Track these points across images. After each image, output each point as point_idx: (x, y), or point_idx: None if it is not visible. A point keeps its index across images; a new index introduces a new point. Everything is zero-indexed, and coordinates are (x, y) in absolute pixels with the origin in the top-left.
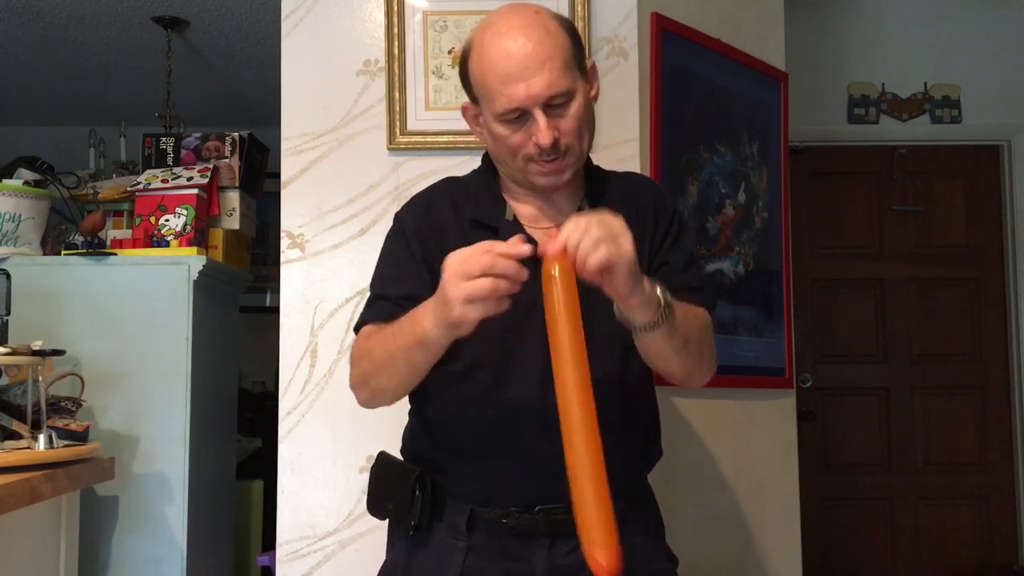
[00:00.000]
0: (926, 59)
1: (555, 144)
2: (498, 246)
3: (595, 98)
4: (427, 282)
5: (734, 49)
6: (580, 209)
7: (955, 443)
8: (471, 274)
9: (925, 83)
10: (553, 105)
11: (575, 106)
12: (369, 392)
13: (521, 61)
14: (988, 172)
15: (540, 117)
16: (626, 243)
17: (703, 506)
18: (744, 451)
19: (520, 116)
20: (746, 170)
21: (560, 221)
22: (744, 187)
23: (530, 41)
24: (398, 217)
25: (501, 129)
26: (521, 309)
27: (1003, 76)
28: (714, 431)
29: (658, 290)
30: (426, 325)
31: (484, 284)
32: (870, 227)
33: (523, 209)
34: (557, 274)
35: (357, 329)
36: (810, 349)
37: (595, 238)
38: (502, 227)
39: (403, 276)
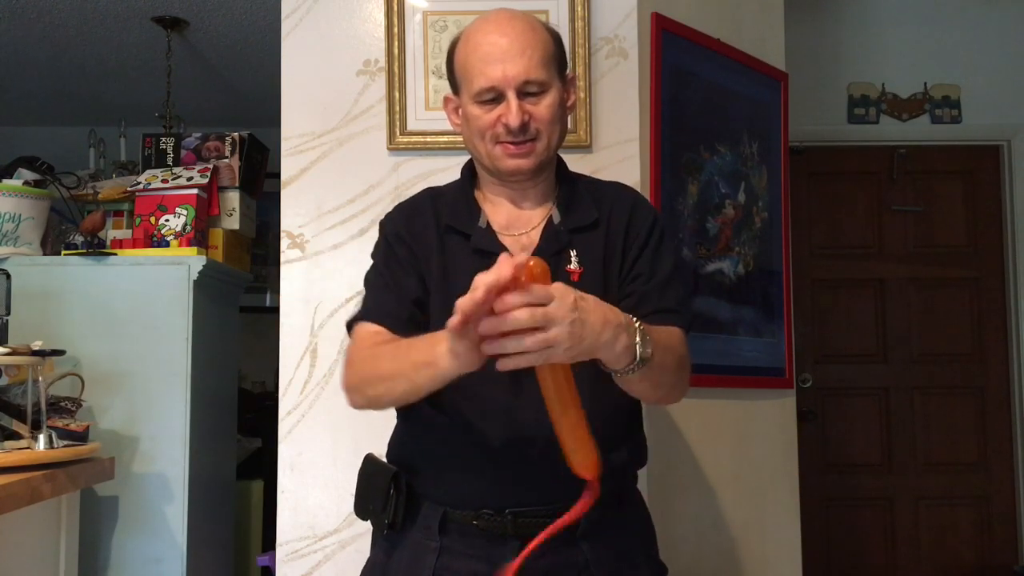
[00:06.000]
0: (926, 59)
1: (524, 126)
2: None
3: (571, 109)
4: (414, 280)
5: (734, 49)
6: (551, 218)
7: (955, 443)
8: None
9: (925, 83)
10: (527, 92)
11: (548, 99)
12: (364, 399)
13: (503, 46)
14: (988, 172)
15: (512, 99)
16: (591, 327)
17: (703, 506)
18: (744, 451)
19: (495, 98)
20: (746, 170)
21: (530, 228)
22: (744, 187)
23: (514, 31)
24: (380, 225)
25: (475, 110)
26: None
27: (1003, 76)
28: (714, 431)
29: (637, 343)
30: (439, 350)
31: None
32: (870, 227)
33: (496, 217)
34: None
35: (351, 324)
36: (810, 349)
37: (566, 348)
38: (475, 233)
39: (392, 278)
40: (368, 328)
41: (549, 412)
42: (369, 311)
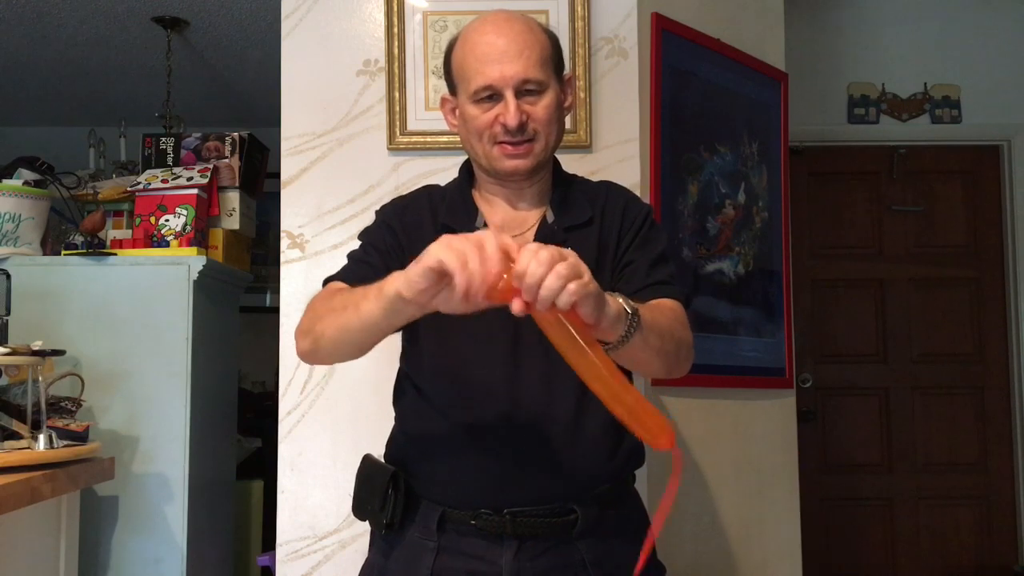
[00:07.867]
0: (926, 59)
1: (522, 126)
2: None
3: (568, 110)
4: (393, 267)
5: (734, 49)
6: (545, 218)
7: (955, 443)
8: (462, 251)
9: (925, 83)
10: (524, 92)
11: (546, 99)
12: (311, 340)
13: (501, 46)
14: (988, 172)
15: (510, 99)
16: (587, 275)
17: (703, 506)
18: (744, 451)
19: (492, 97)
20: (746, 170)
21: (526, 228)
22: (744, 187)
23: (512, 31)
24: (377, 212)
25: (473, 110)
26: (488, 313)
27: (1003, 76)
28: (714, 431)
29: (622, 302)
30: (391, 283)
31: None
32: (870, 227)
33: (493, 217)
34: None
35: (324, 284)
36: (810, 349)
37: (561, 275)
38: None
39: (377, 252)
40: (336, 284)
41: (598, 395)
42: (341, 275)
